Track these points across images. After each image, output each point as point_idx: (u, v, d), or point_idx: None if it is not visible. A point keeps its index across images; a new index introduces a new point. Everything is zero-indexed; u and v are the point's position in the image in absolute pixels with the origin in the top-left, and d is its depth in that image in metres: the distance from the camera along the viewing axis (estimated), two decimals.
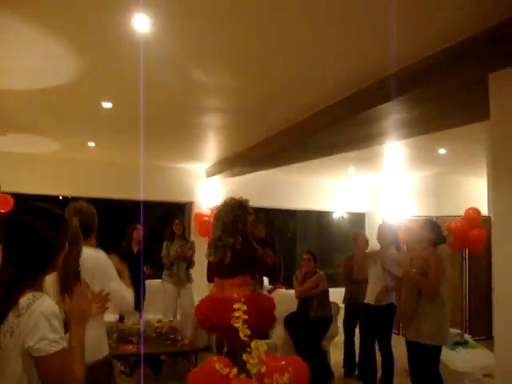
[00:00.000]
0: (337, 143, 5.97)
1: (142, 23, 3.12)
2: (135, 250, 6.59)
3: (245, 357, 2.05)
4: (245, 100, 5.01)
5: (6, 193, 7.00)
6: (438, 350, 4.01)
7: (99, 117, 5.60)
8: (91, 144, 7.31)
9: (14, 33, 3.37)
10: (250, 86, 4.54)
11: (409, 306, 4.02)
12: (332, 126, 5.09)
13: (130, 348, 5.37)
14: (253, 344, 2.03)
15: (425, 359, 4.00)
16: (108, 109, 5.20)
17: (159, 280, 7.06)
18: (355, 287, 5.86)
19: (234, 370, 2.17)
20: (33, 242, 1.74)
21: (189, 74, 4.18)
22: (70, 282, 2.47)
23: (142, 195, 7.07)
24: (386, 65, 3.73)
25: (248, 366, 2.06)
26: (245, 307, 2.07)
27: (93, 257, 2.76)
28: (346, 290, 6.15)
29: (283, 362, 2.28)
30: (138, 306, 6.42)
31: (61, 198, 9.58)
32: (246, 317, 2.13)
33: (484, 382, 4.15)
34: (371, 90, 4.25)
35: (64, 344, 1.64)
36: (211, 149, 7.72)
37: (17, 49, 3.70)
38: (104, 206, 10.16)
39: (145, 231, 6.71)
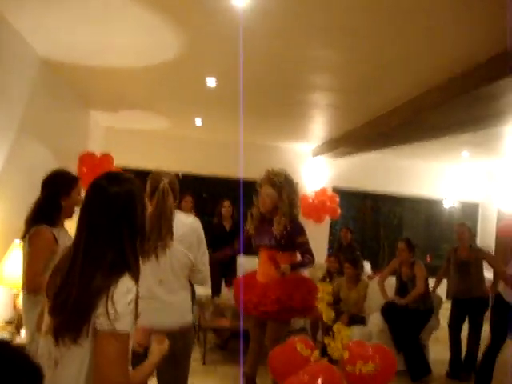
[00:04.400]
0: (451, 123, 5.56)
1: None
2: (227, 226, 6.64)
3: (326, 340, 1.93)
4: (353, 77, 4.80)
5: (119, 167, 7.36)
6: None
7: (204, 93, 5.66)
8: (198, 121, 7.46)
9: (118, 10, 3.46)
10: (359, 61, 4.31)
11: None
12: (446, 104, 4.73)
13: (223, 322, 5.47)
14: (335, 327, 1.90)
15: None
16: (213, 86, 5.25)
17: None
18: (462, 281, 5.50)
19: (316, 353, 2.06)
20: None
21: (295, 49, 4.07)
22: (156, 245, 2.66)
23: (240, 172, 7.07)
24: (504, 38, 3.36)
25: (329, 351, 1.94)
26: (329, 288, 1.95)
27: (191, 223, 2.87)
28: (450, 284, 5.78)
29: (370, 350, 2.13)
30: (230, 282, 6.51)
31: (180, 174, 9.93)
32: (331, 298, 2.01)
33: None
34: (490, 64, 3.86)
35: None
36: (317, 128, 7.57)
37: (121, 25, 3.80)
38: (209, 183, 10.47)
39: (233, 207, 6.71)
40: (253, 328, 4.32)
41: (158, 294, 2.71)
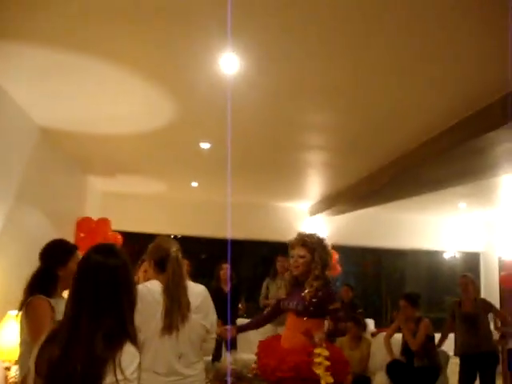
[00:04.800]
0: (443, 176, 5.60)
1: (231, 63, 3.16)
2: (225, 289, 6.60)
3: None
4: (345, 136, 4.90)
5: (116, 231, 7.36)
6: None
7: (199, 157, 5.76)
8: (194, 184, 7.53)
9: (114, 82, 3.58)
10: (351, 121, 4.42)
11: None
12: (437, 158, 4.78)
13: None
14: None
15: None
16: (207, 149, 5.33)
17: None
18: (469, 336, 5.37)
19: None
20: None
21: (286, 111, 4.17)
22: (178, 318, 2.63)
23: (228, 233, 7.10)
24: (496, 88, 3.44)
25: None
26: (327, 352, 1.91)
27: (203, 291, 2.87)
28: (457, 339, 5.64)
29: None
30: (234, 345, 6.37)
31: (179, 236, 9.93)
32: (329, 363, 1.96)
33: None
34: (477, 119, 3.94)
35: None
36: (313, 187, 7.64)
37: (117, 96, 3.93)
38: (208, 244, 10.44)
39: (232, 270, 6.71)
40: None
41: (177, 368, 2.66)
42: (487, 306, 5.54)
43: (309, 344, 3.71)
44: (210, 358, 5.97)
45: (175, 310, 2.63)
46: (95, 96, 3.94)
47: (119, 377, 1.52)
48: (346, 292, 7.97)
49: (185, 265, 5.90)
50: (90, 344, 1.57)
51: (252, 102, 3.90)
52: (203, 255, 11.85)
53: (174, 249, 2.78)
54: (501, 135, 3.91)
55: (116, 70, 3.36)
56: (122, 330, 1.65)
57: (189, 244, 10.62)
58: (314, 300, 3.77)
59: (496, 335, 5.59)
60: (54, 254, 3.21)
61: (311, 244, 3.97)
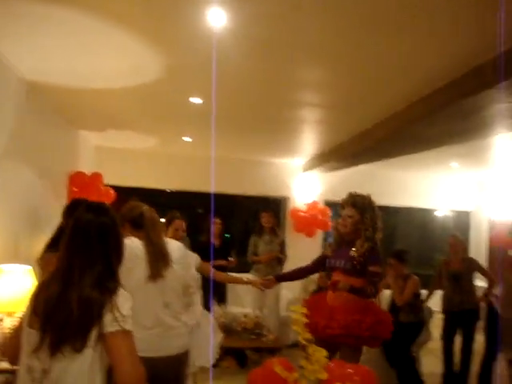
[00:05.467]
0: (436, 135, 5.58)
1: (218, 17, 3.09)
2: (216, 243, 6.66)
3: (303, 363, 1.94)
4: (338, 93, 4.83)
5: (109, 185, 7.38)
6: None
7: (190, 112, 5.69)
8: (187, 139, 7.49)
9: (101, 36, 3.50)
10: (344, 77, 4.35)
11: None
12: (430, 117, 4.75)
13: None
14: (310, 349, 1.91)
15: None
16: (198, 104, 5.28)
17: (248, 274, 7.11)
18: (454, 293, 5.52)
19: (295, 375, 2.06)
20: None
21: (279, 68, 4.10)
22: (161, 265, 2.86)
23: (212, 187, 7.10)
24: (488, 48, 3.39)
25: (305, 373, 1.94)
26: (304, 309, 1.96)
27: (181, 246, 3.14)
28: (443, 296, 5.78)
29: (350, 370, 2.13)
30: (223, 298, 6.52)
31: (169, 190, 9.99)
32: (306, 320, 2.02)
33: None
34: (472, 77, 3.89)
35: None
36: (306, 143, 7.61)
37: (105, 50, 3.84)
38: (196, 197, 10.50)
39: (223, 224, 6.77)
40: None
41: (163, 318, 2.87)
42: (474, 264, 5.66)
43: (356, 301, 3.82)
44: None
45: (159, 258, 2.85)
46: (82, 50, 3.86)
47: (116, 314, 1.77)
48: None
49: (182, 223, 6.03)
50: (83, 290, 1.80)
51: (241, 57, 3.83)
52: (200, 210, 11.93)
53: (146, 207, 3.02)
54: (492, 95, 3.87)
55: (103, 24, 3.28)
56: (113, 279, 1.88)
57: (185, 199, 10.69)
58: (361, 259, 3.85)
59: (480, 292, 5.72)
60: (67, 210, 3.40)
61: (361, 205, 4.03)
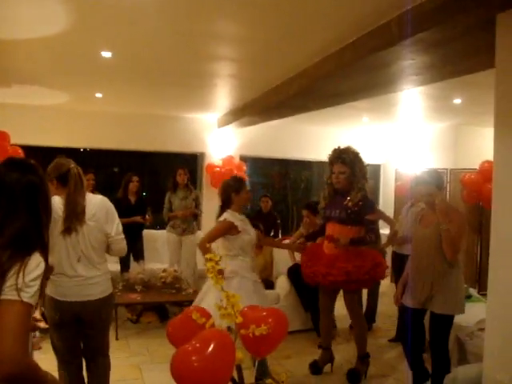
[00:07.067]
0: (345, 90, 5.78)
1: None
2: (133, 200, 6.68)
3: (217, 307, 2.03)
4: (251, 47, 4.84)
5: (16, 145, 7.01)
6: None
7: (101, 67, 5.49)
8: (98, 95, 7.24)
9: None
10: (257, 32, 4.35)
11: (437, 273, 3.63)
12: (339, 73, 4.91)
13: (135, 296, 5.49)
14: (223, 294, 2.00)
15: (448, 331, 3.73)
16: (108, 58, 5.10)
17: (164, 230, 7.15)
18: None
19: (211, 321, 2.16)
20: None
21: (192, 21, 4.03)
22: (75, 221, 3.04)
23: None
24: (394, 5, 3.52)
25: (220, 317, 2.04)
26: (217, 257, 2.04)
27: (100, 201, 3.27)
28: None
29: (263, 314, 2.26)
30: (141, 255, 6.55)
31: (82, 150, 9.67)
32: (220, 267, 2.11)
33: (477, 335, 4.10)
34: (378, 33, 4.04)
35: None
36: (221, 98, 7.59)
37: None
38: (112, 156, 10.27)
39: (140, 181, 6.80)
40: (322, 297, 4.59)
41: (77, 269, 3.11)
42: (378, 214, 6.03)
43: (355, 247, 4.14)
44: (118, 268, 6.11)
45: (74, 214, 3.04)
46: None
47: (19, 280, 1.58)
48: (265, 203, 8.25)
49: (89, 179, 5.93)
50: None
51: (152, 8, 3.72)
52: (116, 168, 11.66)
53: (73, 165, 3.14)
54: (397, 52, 4.06)
55: None
56: (37, 235, 1.73)
57: (99, 157, 10.40)
58: (355, 209, 4.11)
59: (384, 239, 6.12)
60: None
61: (350, 160, 4.26)
